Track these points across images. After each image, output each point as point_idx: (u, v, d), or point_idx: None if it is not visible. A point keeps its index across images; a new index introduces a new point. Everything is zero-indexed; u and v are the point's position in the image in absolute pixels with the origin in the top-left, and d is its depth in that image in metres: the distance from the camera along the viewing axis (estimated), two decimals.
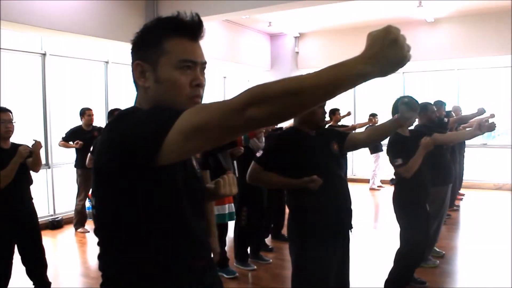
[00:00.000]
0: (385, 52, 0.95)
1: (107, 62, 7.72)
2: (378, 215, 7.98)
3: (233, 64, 9.93)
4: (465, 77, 10.47)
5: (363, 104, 11.20)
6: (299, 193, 2.63)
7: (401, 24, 7.95)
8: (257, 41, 10.61)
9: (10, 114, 3.64)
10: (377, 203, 8.94)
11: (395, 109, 3.54)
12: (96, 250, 1.27)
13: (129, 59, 1.35)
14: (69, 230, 6.58)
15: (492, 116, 7.03)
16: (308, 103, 0.99)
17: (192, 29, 1.26)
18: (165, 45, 1.24)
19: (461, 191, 8.29)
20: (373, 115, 9.35)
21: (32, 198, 3.83)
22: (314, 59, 10.83)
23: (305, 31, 10.86)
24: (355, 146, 2.81)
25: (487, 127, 3.51)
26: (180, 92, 1.24)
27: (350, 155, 9.36)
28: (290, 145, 2.69)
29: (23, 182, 3.72)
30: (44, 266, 3.96)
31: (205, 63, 1.30)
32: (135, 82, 1.31)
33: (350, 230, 2.73)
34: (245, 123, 1.00)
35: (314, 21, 9.79)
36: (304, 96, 0.96)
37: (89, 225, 6.58)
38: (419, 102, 3.88)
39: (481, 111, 6.85)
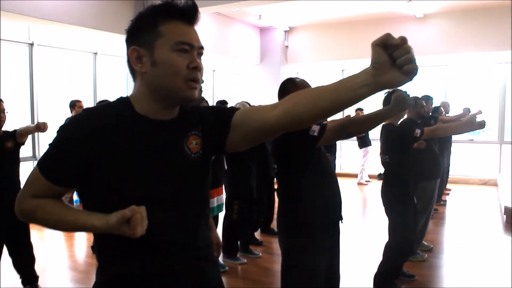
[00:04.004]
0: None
1: (96, 53, 7.62)
2: (366, 210, 8.01)
3: (222, 57, 9.87)
4: (453, 73, 10.52)
5: None
6: (291, 184, 2.60)
7: (390, 19, 8.01)
8: (247, 34, 10.55)
9: (3, 103, 3.59)
10: (365, 198, 8.98)
11: (387, 100, 3.54)
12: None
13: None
14: None
15: (480, 112, 7.11)
16: None
17: (187, 12, 1.26)
18: (161, 28, 1.24)
19: (448, 186, 8.36)
20: (360, 110, 9.40)
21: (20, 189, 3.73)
22: (304, 53, 10.83)
23: (295, 25, 10.82)
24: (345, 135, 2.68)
25: (477, 125, 3.52)
26: (177, 74, 1.23)
27: (338, 149, 9.39)
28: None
29: (12, 172, 3.69)
30: (32, 259, 3.91)
31: (202, 48, 1.29)
32: (131, 70, 1.29)
33: (340, 221, 2.70)
34: None
35: (304, 15, 9.76)
36: None
37: None
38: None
39: (466, 111, 6.92)
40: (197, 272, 1.34)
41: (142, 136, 1.24)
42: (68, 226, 1.28)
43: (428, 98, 6.24)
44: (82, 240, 5.61)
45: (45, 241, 5.75)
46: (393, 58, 1.05)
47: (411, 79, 1.06)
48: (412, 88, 9.49)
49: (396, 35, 1.05)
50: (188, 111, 1.36)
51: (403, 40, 1.03)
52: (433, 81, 10.57)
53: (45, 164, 1.25)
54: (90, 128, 1.20)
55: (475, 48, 9.15)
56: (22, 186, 3.65)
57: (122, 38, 1.32)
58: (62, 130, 1.24)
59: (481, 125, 3.53)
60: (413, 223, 3.79)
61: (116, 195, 1.21)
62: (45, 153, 1.25)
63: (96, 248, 1.34)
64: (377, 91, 1.11)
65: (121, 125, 1.23)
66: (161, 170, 1.25)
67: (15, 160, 3.73)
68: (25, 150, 4.17)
